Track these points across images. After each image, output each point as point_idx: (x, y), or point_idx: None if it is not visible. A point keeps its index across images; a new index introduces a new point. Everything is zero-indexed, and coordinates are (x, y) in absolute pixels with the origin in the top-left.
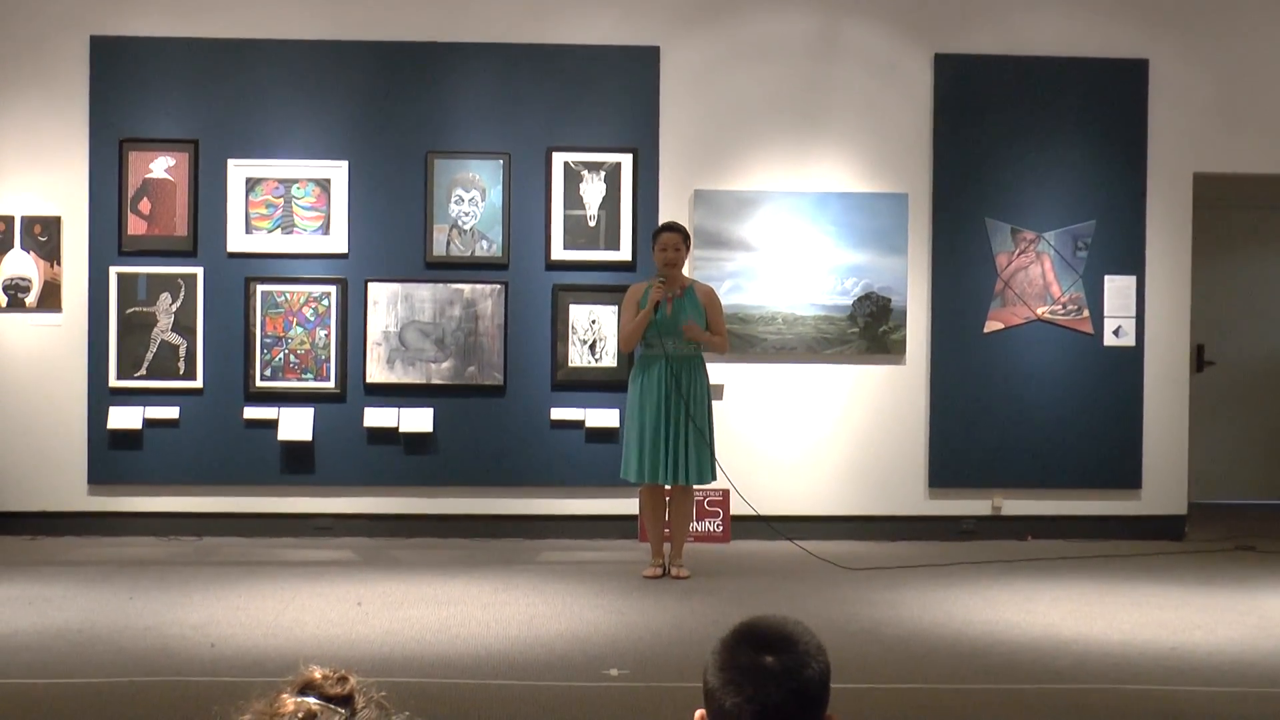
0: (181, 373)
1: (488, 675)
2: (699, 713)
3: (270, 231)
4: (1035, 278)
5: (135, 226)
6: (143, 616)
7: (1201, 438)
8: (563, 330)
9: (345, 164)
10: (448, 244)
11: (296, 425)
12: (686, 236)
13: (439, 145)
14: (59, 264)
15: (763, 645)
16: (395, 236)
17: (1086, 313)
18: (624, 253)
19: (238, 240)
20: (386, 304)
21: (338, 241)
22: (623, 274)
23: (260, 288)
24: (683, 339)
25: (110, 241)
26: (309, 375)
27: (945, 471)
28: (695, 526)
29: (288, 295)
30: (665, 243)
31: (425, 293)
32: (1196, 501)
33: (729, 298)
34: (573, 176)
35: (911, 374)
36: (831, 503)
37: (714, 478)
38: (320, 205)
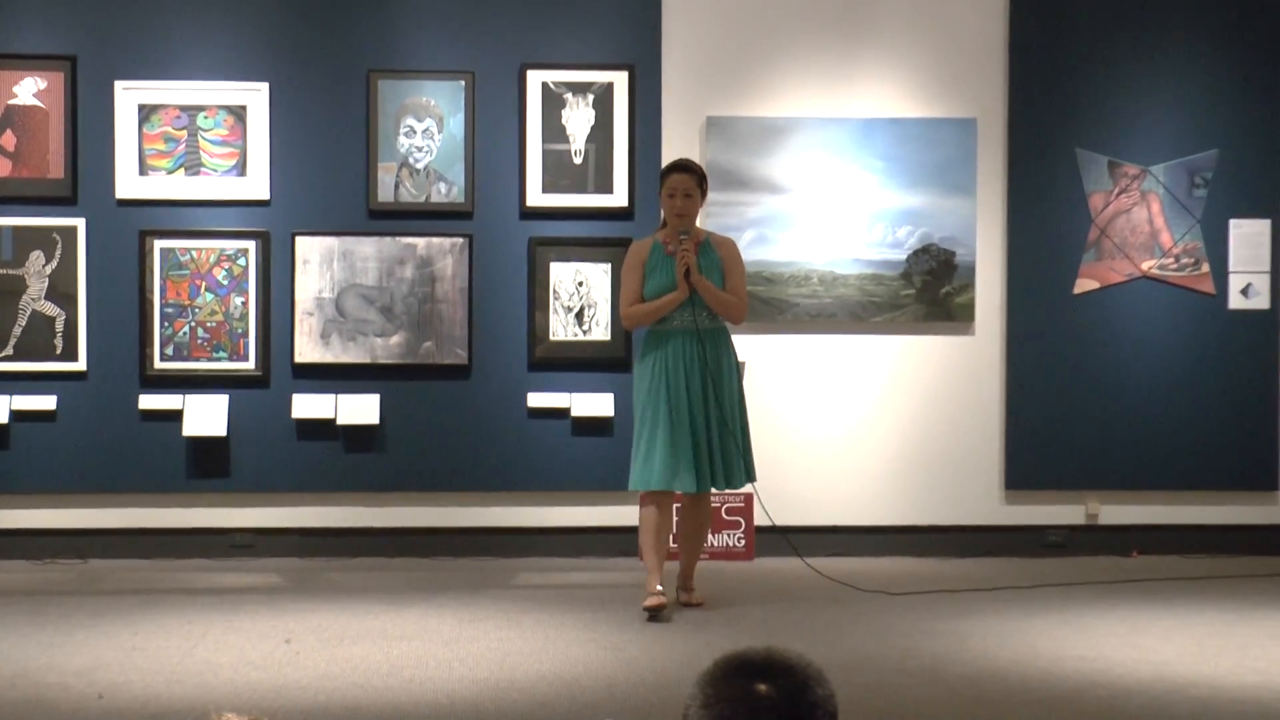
0: (59, 352)
1: None
2: None
3: (171, 173)
4: (1140, 223)
5: None
6: (10, 662)
7: None
8: (542, 295)
9: (265, 87)
10: (396, 187)
11: (207, 417)
12: (702, 178)
13: (384, 63)
14: None
15: (754, 673)
16: (330, 178)
17: (1206, 267)
18: (618, 197)
19: (129, 184)
20: (320, 263)
21: (257, 185)
22: (617, 224)
23: (159, 244)
24: (706, 308)
25: None
26: (222, 354)
27: (1026, 470)
28: (712, 540)
29: (194, 253)
30: (675, 186)
31: (369, 249)
32: None
33: (751, 252)
34: (553, 101)
35: (982, 346)
36: (881, 511)
37: (755, 478)
38: (234, 139)
